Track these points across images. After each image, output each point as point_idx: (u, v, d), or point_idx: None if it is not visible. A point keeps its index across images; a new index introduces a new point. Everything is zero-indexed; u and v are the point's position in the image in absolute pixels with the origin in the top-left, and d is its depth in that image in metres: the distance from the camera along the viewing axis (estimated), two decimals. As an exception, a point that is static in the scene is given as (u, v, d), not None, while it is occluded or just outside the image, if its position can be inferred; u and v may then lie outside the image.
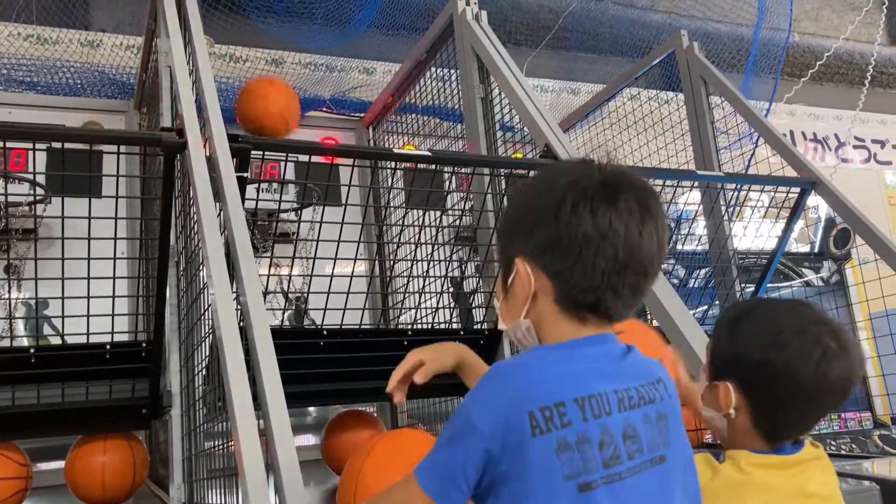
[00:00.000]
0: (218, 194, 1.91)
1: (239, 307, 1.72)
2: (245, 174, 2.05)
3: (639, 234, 1.10)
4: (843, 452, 4.30)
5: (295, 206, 3.80)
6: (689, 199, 3.63)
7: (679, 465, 1.14)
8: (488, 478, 1.04)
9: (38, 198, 3.38)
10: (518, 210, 1.23)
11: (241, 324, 1.68)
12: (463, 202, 3.19)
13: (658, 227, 1.13)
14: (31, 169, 3.49)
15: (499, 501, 1.05)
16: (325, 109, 4.55)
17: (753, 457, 1.38)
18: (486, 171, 2.79)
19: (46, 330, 3.53)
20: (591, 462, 1.03)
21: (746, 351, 1.40)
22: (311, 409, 4.31)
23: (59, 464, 2.70)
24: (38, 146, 2.20)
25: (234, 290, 1.76)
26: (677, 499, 1.13)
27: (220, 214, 1.89)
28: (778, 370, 1.35)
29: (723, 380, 1.41)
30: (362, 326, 2.67)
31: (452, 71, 3.38)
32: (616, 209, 1.10)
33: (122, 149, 2.16)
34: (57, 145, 2.02)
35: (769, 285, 4.55)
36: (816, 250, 6.13)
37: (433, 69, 3.63)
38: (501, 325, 1.24)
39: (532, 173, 2.68)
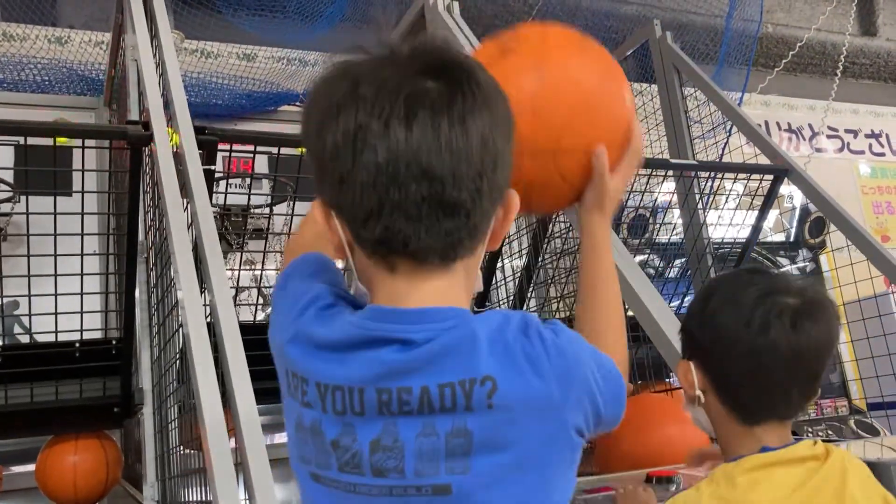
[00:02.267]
0: (185, 188, 1.88)
1: (206, 303, 1.70)
2: (213, 167, 2.02)
3: (405, 125, 0.78)
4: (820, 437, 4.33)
5: (268, 201, 3.77)
6: (664, 189, 3.64)
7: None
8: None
9: (5, 196, 3.33)
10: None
11: (210, 320, 1.66)
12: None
13: (454, 117, 0.79)
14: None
15: None
16: (298, 104, 4.52)
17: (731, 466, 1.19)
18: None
19: (17, 330, 3.48)
20: (321, 456, 0.85)
21: (691, 322, 1.29)
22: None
23: (31, 466, 2.67)
24: (4, 143, 2.17)
25: (202, 286, 1.74)
26: None
27: (187, 209, 1.87)
28: (719, 337, 1.22)
29: (685, 359, 1.30)
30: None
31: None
32: (364, 102, 0.79)
33: (90, 143, 2.13)
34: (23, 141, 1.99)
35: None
36: (792, 239, 6.17)
37: (406, 62, 3.60)
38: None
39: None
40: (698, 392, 1.26)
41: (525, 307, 3.06)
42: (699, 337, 1.27)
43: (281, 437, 3.86)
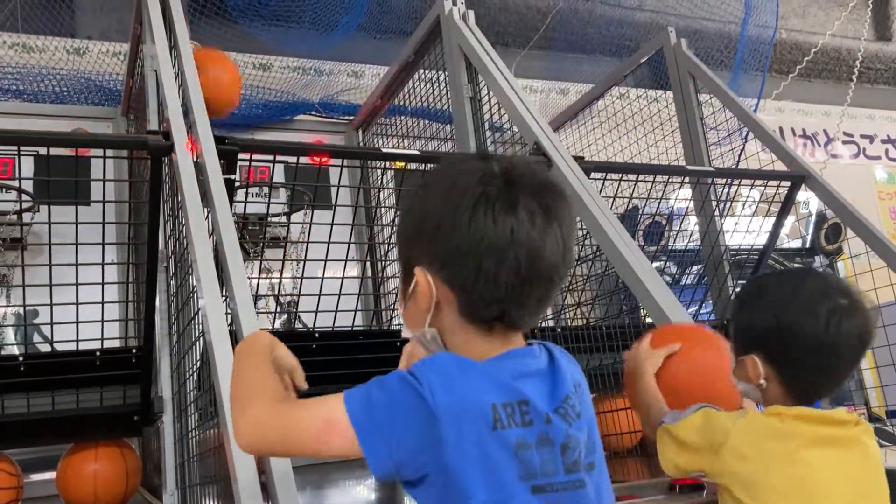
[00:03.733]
0: (206, 197, 1.89)
1: (228, 311, 1.70)
2: (233, 176, 2.03)
3: (542, 241, 1.02)
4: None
5: (285, 210, 3.78)
6: (681, 196, 3.63)
7: (601, 471, 1.10)
8: (425, 460, 0.97)
9: (26, 206, 3.36)
10: (416, 215, 1.11)
11: (231, 328, 1.66)
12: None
13: (563, 230, 1.04)
14: (18, 177, 3.46)
15: (435, 492, 0.98)
16: (314, 113, 4.54)
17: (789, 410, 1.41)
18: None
19: (36, 339, 3.50)
20: (550, 465, 1.00)
21: (760, 320, 1.45)
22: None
23: (52, 474, 2.68)
24: (25, 153, 2.19)
25: (224, 293, 1.75)
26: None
27: (208, 217, 1.88)
28: (788, 331, 1.40)
29: (749, 354, 1.46)
30: (354, 328, 2.65)
31: (441, 73, 3.37)
32: (516, 215, 1.01)
33: (110, 153, 2.14)
34: (43, 152, 2.01)
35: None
36: (808, 245, 6.13)
37: (421, 71, 3.62)
38: (405, 333, 1.16)
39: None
40: (762, 381, 1.44)
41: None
42: (769, 336, 1.44)
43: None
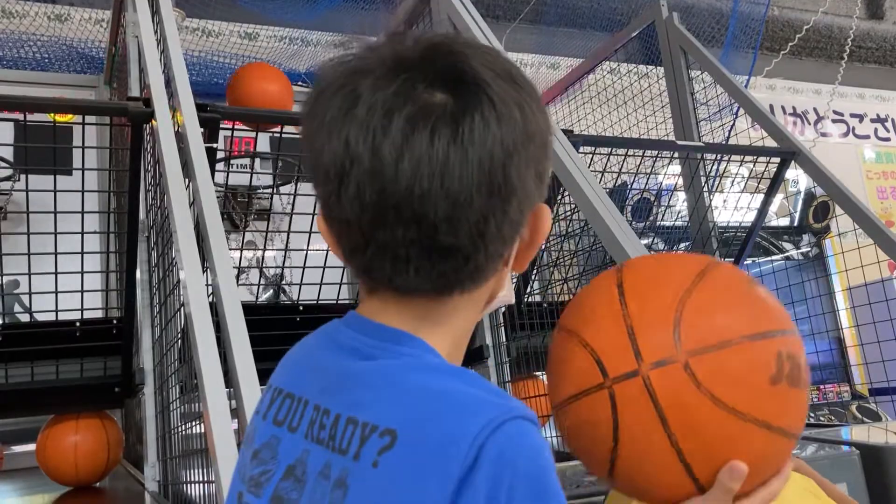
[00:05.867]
0: (186, 166, 1.85)
1: (209, 283, 1.67)
2: (214, 145, 1.99)
3: (395, 157, 0.64)
4: (822, 422, 4.33)
5: (272, 182, 3.74)
6: (670, 172, 3.61)
7: None
8: None
9: (5, 174, 3.30)
10: None
11: (212, 300, 1.64)
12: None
13: (461, 131, 0.64)
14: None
15: None
16: (300, 84, 4.48)
17: None
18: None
19: (17, 309, 3.46)
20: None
21: None
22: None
23: (32, 446, 2.66)
24: (3, 119, 2.14)
25: (205, 265, 1.72)
26: None
27: (188, 187, 1.84)
28: None
29: None
30: (339, 302, 2.63)
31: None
32: (355, 116, 0.66)
33: (91, 120, 2.10)
34: (22, 119, 1.97)
35: (749, 260, 4.56)
36: (796, 223, 6.14)
37: (410, 42, 3.57)
38: None
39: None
40: None
41: (529, 289, 3.04)
42: None
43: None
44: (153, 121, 1.95)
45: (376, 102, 0.65)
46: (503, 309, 2.93)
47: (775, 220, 5.98)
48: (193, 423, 1.90)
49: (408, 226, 0.66)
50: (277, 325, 2.45)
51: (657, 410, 0.80)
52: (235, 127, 2.10)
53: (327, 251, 2.45)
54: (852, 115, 7.42)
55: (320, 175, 0.70)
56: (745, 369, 0.80)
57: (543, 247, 3.35)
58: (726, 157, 3.39)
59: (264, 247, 2.64)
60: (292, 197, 2.41)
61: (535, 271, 3.44)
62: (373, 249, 0.68)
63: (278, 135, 2.26)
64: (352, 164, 0.66)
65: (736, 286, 0.87)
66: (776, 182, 3.27)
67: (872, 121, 7.52)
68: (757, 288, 0.87)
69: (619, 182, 3.03)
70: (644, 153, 2.86)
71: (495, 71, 0.68)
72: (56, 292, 2.21)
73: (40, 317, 2.44)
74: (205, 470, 1.73)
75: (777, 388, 0.81)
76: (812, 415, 4.69)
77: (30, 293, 2.21)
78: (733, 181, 3.45)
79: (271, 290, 3.88)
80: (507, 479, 0.60)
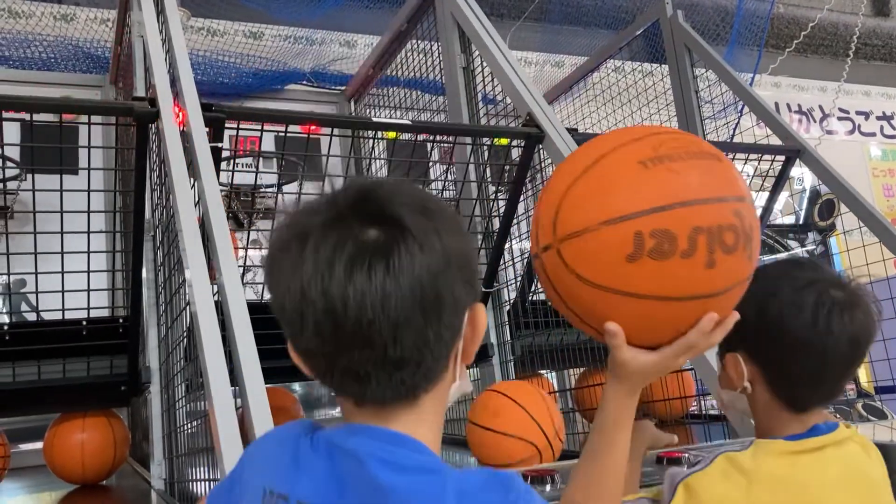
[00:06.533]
0: (192, 166, 1.86)
1: (214, 282, 1.68)
2: (219, 144, 2.00)
3: (342, 291, 0.75)
4: (826, 422, 4.32)
5: (276, 181, 3.75)
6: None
7: None
8: None
9: (12, 174, 3.32)
10: None
11: (217, 298, 1.64)
12: (445, 174, 3.15)
13: (389, 260, 0.75)
14: (3, 146, 3.42)
15: None
16: (305, 83, 4.49)
17: (769, 445, 1.24)
18: (468, 140, 2.75)
19: (24, 308, 3.48)
20: None
21: (743, 312, 1.16)
22: (297, 386, 4.29)
23: (39, 444, 2.67)
24: (10, 119, 2.15)
25: (210, 264, 1.72)
26: None
27: (194, 186, 1.85)
28: (773, 325, 1.22)
29: (732, 351, 1.29)
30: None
31: (434, 43, 3.33)
32: (304, 268, 0.77)
33: (97, 120, 2.11)
34: (28, 118, 1.97)
35: (754, 257, 4.55)
36: (801, 222, 6.13)
37: (414, 41, 3.57)
38: None
39: (514, 142, 2.65)
40: (746, 384, 1.27)
41: (532, 286, 3.04)
42: (751, 331, 1.22)
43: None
44: (159, 120, 1.95)
45: (321, 251, 0.77)
46: (507, 307, 2.94)
47: (780, 218, 5.97)
48: (199, 421, 1.91)
49: (362, 349, 0.77)
50: (275, 323, 2.45)
51: (551, 284, 1.05)
52: (240, 126, 2.10)
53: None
54: (858, 113, 7.40)
55: (285, 317, 0.80)
56: (599, 250, 0.98)
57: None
58: (731, 155, 3.38)
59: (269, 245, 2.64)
60: (297, 194, 2.41)
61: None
62: (338, 372, 0.80)
63: (283, 134, 2.26)
64: (308, 306, 0.76)
65: (620, 174, 1.00)
66: (781, 180, 3.26)
67: (878, 118, 7.50)
68: (650, 170, 0.99)
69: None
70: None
71: (411, 206, 0.79)
72: (62, 291, 2.22)
73: (47, 316, 2.46)
74: (211, 467, 1.74)
75: (637, 263, 0.96)
76: (844, 420, 4.67)
77: (36, 292, 2.22)
78: (738, 179, 3.45)
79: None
80: None
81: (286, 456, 0.84)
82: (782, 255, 5.99)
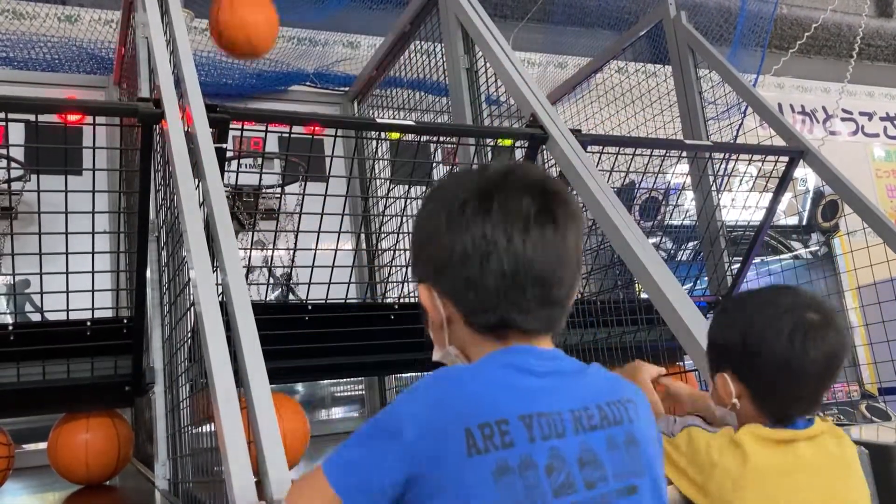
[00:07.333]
0: (196, 166, 1.86)
1: (219, 282, 1.68)
2: (224, 145, 2.00)
3: (522, 241, 0.99)
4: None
5: (279, 181, 3.75)
6: (678, 171, 3.61)
7: (654, 498, 1.02)
8: (412, 496, 0.92)
9: (17, 175, 3.32)
10: (415, 231, 1.14)
11: (222, 299, 1.64)
12: (448, 174, 3.14)
13: (557, 224, 1.01)
14: (6, 145, 3.43)
15: None
16: (308, 84, 4.49)
17: (757, 430, 1.39)
18: (472, 141, 2.75)
19: (28, 308, 3.48)
20: (535, 490, 0.90)
21: (729, 337, 1.43)
22: (300, 386, 4.30)
23: (43, 444, 2.67)
24: (15, 120, 2.15)
25: (214, 264, 1.72)
26: None
27: (198, 187, 1.85)
28: (755, 348, 1.37)
29: (720, 372, 1.45)
30: (348, 301, 2.64)
31: (437, 44, 3.33)
32: (490, 217, 1.00)
33: (101, 120, 2.11)
34: (33, 119, 1.98)
35: (757, 259, 4.55)
36: (804, 223, 6.12)
37: (418, 42, 3.58)
38: (434, 356, 1.13)
39: (518, 143, 2.65)
40: (735, 400, 1.42)
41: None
42: (736, 354, 1.41)
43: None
44: (163, 121, 1.95)
45: (504, 208, 1.00)
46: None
47: (784, 218, 5.97)
48: (203, 422, 1.91)
49: (534, 286, 1.00)
50: (286, 325, 2.46)
51: None
52: (245, 128, 2.10)
53: (335, 250, 2.46)
54: (861, 114, 7.39)
55: (457, 256, 1.01)
56: None
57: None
58: (734, 156, 3.38)
59: (273, 246, 2.65)
60: (300, 197, 2.41)
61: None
62: (505, 305, 1.00)
63: (287, 135, 2.27)
64: (494, 247, 0.99)
65: None
66: (785, 181, 3.26)
67: (882, 119, 7.49)
68: None
69: (626, 181, 3.03)
70: (652, 152, 2.86)
71: (558, 185, 1.07)
72: (67, 292, 2.22)
73: (51, 316, 2.46)
74: (215, 467, 1.74)
75: None
76: (821, 414, 4.67)
77: (41, 293, 2.23)
78: (741, 180, 3.45)
79: (280, 290, 3.89)
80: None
81: (510, 385, 0.97)
82: (785, 256, 5.98)
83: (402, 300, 2.98)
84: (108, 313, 2.53)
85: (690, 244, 3.94)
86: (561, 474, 0.93)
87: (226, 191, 2.00)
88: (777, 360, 1.35)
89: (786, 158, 3.20)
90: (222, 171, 1.97)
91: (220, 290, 1.67)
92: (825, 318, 1.38)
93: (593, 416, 0.99)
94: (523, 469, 0.91)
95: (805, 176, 5.48)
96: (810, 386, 1.39)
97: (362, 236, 3.83)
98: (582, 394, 1.01)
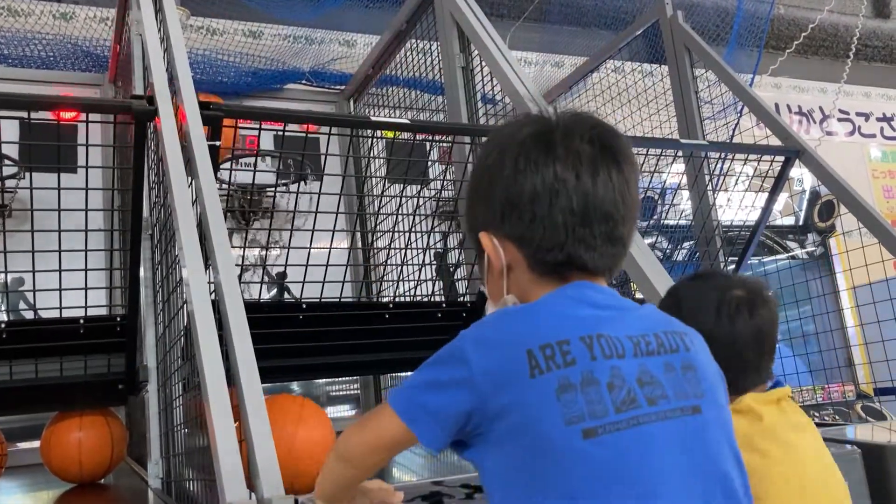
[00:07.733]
0: (189, 164, 1.86)
1: (211, 281, 1.68)
2: (217, 143, 1.99)
3: (592, 179, 1.04)
4: (826, 421, 4.32)
5: (272, 180, 3.74)
6: (674, 170, 3.60)
7: (719, 423, 1.04)
8: (475, 420, 0.96)
9: (10, 172, 3.31)
10: (473, 177, 1.16)
11: (214, 297, 1.64)
12: (444, 173, 3.14)
13: (618, 167, 1.06)
14: (0, 144, 3.41)
15: (489, 448, 0.97)
16: (304, 82, 4.48)
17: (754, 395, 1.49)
18: (467, 140, 2.75)
19: (22, 306, 3.47)
20: (597, 405, 0.94)
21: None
22: (295, 386, 4.29)
23: (36, 443, 2.67)
24: (9, 117, 2.14)
25: (207, 263, 1.72)
26: (727, 459, 1.02)
27: (191, 185, 1.85)
28: (688, 324, 1.42)
29: None
30: (343, 300, 2.63)
31: (433, 42, 3.33)
32: (556, 157, 1.04)
33: (95, 118, 2.10)
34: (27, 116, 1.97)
35: (753, 259, 4.54)
36: (801, 223, 6.13)
37: (413, 40, 3.57)
38: (489, 306, 1.15)
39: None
40: None
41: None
42: None
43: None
44: (157, 119, 1.95)
45: (569, 150, 1.05)
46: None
47: (780, 218, 5.97)
48: (197, 420, 1.91)
49: (600, 223, 1.04)
50: (280, 323, 2.45)
51: None
52: (238, 125, 2.10)
53: (330, 249, 2.45)
54: (858, 114, 7.39)
55: (526, 196, 1.04)
56: None
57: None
58: (730, 156, 3.38)
59: (267, 244, 2.64)
60: (295, 195, 2.41)
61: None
62: (572, 242, 1.04)
63: (281, 133, 2.26)
64: (563, 185, 1.03)
65: None
66: (780, 181, 3.26)
67: (878, 119, 7.50)
68: None
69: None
70: (648, 151, 2.85)
71: (616, 130, 1.12)
72: (60, 290, 2.22)
73: (44, 314, 2.45)
74: (207, 466, 1.73)
75: None
76: (816, 414, 4.67)
77: (34, 290, 2.22)
78: (737, 180, 3.45)
79: (275, 289, 3.89)
80: None
81: (571, 313, 1.02)
82: (781, 256, 5.98)
83: (396, 299, 2.97)
84: (102, 311, 2.52)
85: (686, 244, 3.94)
86: (622, 391, 0.96)
87: (227, 189, 2.00)
88: (705, 333, 1.34)
89: (782, 158, 3.20)
90: (215, 168, 1.97)
91: (212, 289, 1.67)
92: (753, 293, 1.48)
93: (651, 342, 1.03)
94: (585, 385, 0.95)
95: (801, 176, 5.48)
96: (748, 357, 1.48)
97: (357, 235, 3.82)
98: (639, 324, 1.05)
